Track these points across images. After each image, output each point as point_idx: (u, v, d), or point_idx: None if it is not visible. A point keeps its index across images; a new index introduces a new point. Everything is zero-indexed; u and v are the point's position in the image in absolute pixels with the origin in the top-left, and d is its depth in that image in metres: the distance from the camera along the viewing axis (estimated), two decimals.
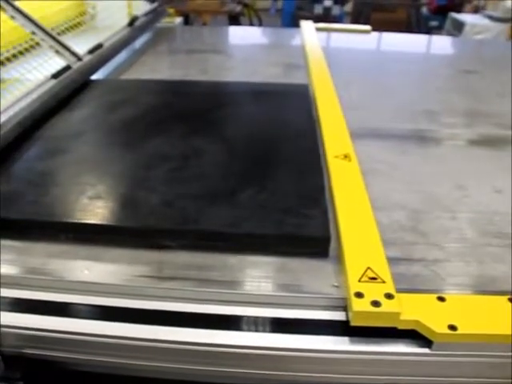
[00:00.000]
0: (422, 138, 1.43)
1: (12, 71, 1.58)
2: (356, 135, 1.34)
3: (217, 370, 0.83)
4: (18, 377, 0.85)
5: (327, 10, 5.57)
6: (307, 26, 2.61)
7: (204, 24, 5.90)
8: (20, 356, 0.84)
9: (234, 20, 5.20)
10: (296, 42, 2.46)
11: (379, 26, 2.88)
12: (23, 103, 1.39)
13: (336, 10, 5.62)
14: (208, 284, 0.88)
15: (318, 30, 2.57)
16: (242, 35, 2.88)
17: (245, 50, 2.46)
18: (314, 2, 5.61)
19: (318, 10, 5.59)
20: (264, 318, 0.84)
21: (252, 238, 0.96)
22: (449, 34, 5.96)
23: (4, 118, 1.27)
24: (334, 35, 2.65)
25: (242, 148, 1.28)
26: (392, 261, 0.89)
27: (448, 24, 6.22)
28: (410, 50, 2.50)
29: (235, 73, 2.00)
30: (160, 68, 2.02)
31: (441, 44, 2.85)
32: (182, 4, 4.71)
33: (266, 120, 1.45)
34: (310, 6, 5.63)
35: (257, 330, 0.82)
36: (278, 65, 2.05)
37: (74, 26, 2.16)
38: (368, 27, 2.69)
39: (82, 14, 2.55)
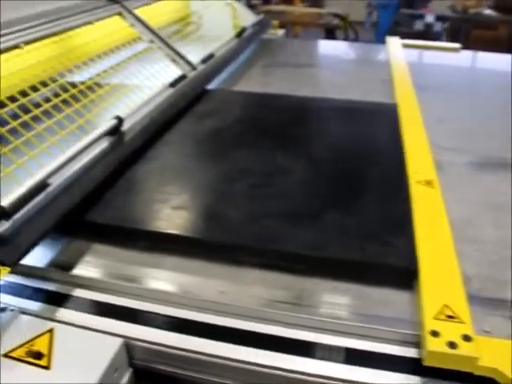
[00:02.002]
0: None
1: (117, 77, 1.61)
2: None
3: None
4: None
5: (429, 26, 5.37)
6: (394, 42, 2.53)
7: (295, 36, 5.89)
8: (151, 370, 0.84)
9: (330, 33, 5.16)
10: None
11: (478, 44, 2.71)
12: (143, 111, 1.41)
13: (437, 27, 5.42)
14: (282, 306, 0.87)
15: (405, 46, 2.48)
16: (343, 50, 2.82)
17: (346, 66, 2.41)
18: (414, 18, 5.43)
19: (418, 25, 5.40)
20: (335, 347, 0.81)
21: (332, 263, 0.93)
22: None
23: (128, 124, 1.29)
24: (422, 53, 2.53)
25: (327, 167, 1.24)
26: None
27: None
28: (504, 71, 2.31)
29: (343, 89, 1.95)
30: (270, 81, 2.00)
31: None
32: (280, 15, 4.72)
33: (353, 139, 1.41)
34: (409, 22, 5.45)
35: (327, 359, 0.79)
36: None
37: (182, 35, 2.19)
38: (457, 45, 2.55)
39: (189, 23, 2.61)
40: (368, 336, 0.82)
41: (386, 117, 1.54)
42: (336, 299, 0.89)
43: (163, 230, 1.01)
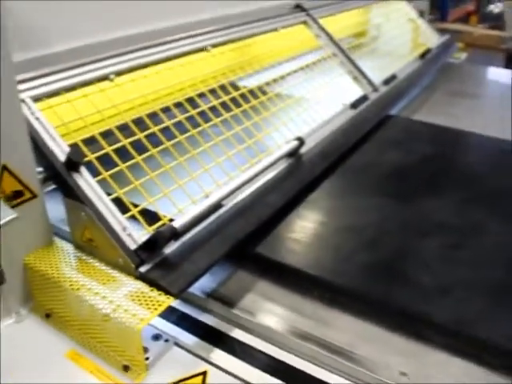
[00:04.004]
0: None
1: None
2: None
3: None
4: None
5: None
6: None
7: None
8: None
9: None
10: None
11: None
12: (323, 132, 1.28)
13: None
14: None
15: None
16: None
17: None
18: None
19: None
20: None
21: None
22: None
23: (307, 145, 1.17)
24: None
25: None
26: None
27: None
28: None
29: None
30: (457, 113, 1.78)
31: None
32: (456, 35, 4.39)
33: None
34: None
35: None
36: None
37: (355, 47, 2.02)
38: None
39: (364, 34, 2.44)
40: None
41: None
42: None
43: (341, 283, 0.88)
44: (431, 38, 2.46)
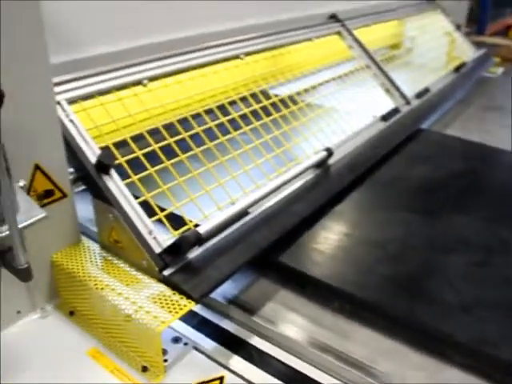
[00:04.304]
0: None
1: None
2: None
3: None
4: None
5: None
6: None
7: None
8: None
9: None
10: None
11: None
12: (352, 144, 1.28)
13: None
14: None
15: None
16: None
17: None
18: None
19: None
20: None
21: None
22: None
23: (335, 156, 1.17)
24: None
25: None
26: None
27: None
28: None
29: None
30: (490, 129, 1.75)
31: None
32: (493, 49, 4.31)
33: None
34: None
35: None
36: None
37: (389, 58, 2.00)
38: None
39: (399, 46, 2.43)
40: None
41: None
42: None
43: (362, 297, 0.88)
44: (467, 52, 2.44)
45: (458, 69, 2.13)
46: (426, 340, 0.81)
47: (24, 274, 0.65)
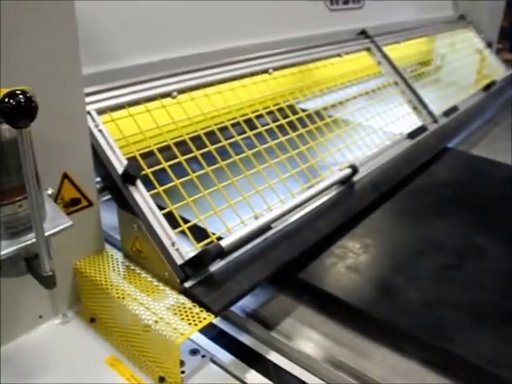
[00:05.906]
0: None
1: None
2: None
3: None
4: None
5: None
6: None
7: None
8: None
9: None
10: None
11: None
12: (377, 161, 1.28)
13: None
14: None
15: None
16: None
17: None
18: None
19: None
20: None
21: None
22: None
23: (361, 174, 1.17)
24: None
25: None
26: None
27: None
28: None
29: None
30: None
31: None
32: None
33: None
34: None
35: None
36: None
37: (418, 75, 1.98)
38: None
39: (429, 63, 2.40)
40: None
41: None
42: None
43: (379, 317, 0.87)
44: (497, 70, 2.41)
45: (487, 87, 2.11)
46: (443, 362, 0.80)
47: (48, 282, 0.67)
